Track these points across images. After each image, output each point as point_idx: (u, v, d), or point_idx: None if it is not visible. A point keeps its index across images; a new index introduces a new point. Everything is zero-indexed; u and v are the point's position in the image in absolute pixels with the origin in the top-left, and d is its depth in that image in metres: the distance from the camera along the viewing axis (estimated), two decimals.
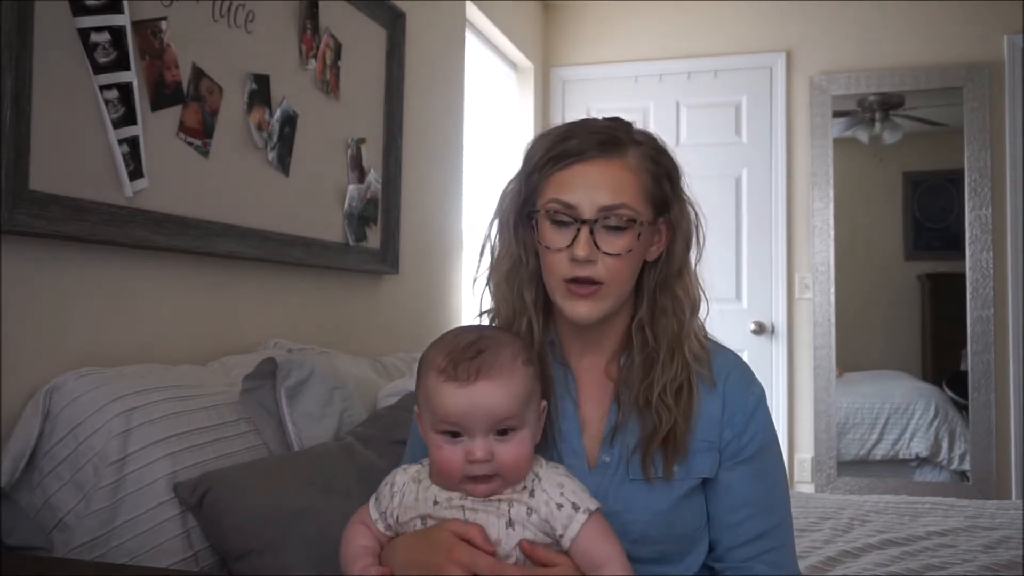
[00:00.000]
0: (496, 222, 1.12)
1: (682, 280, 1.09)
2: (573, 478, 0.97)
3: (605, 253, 1.02)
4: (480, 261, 1.15)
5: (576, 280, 1.02)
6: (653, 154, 1.08)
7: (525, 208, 1.08)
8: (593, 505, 0.94)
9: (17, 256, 1.42)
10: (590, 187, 1.02)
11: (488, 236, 1.14)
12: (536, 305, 1.09)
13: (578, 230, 1.01)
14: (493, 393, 0.92)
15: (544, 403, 1.00)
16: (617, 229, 1.02)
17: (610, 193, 1.02)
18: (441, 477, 0.94)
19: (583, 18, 4.27)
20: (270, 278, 2.09)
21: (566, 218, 1.03)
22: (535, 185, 1.06)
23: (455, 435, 0.92)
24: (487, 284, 1.13)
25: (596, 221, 1.01)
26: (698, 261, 1.11)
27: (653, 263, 1.09)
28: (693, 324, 1.09)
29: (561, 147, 1.04)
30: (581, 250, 1.01)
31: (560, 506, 0.93)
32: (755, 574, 1.06)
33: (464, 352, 0.93)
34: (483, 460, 0.91)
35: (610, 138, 1.05)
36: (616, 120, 1.09)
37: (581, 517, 0.92)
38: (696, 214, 1.11)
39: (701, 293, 1.10)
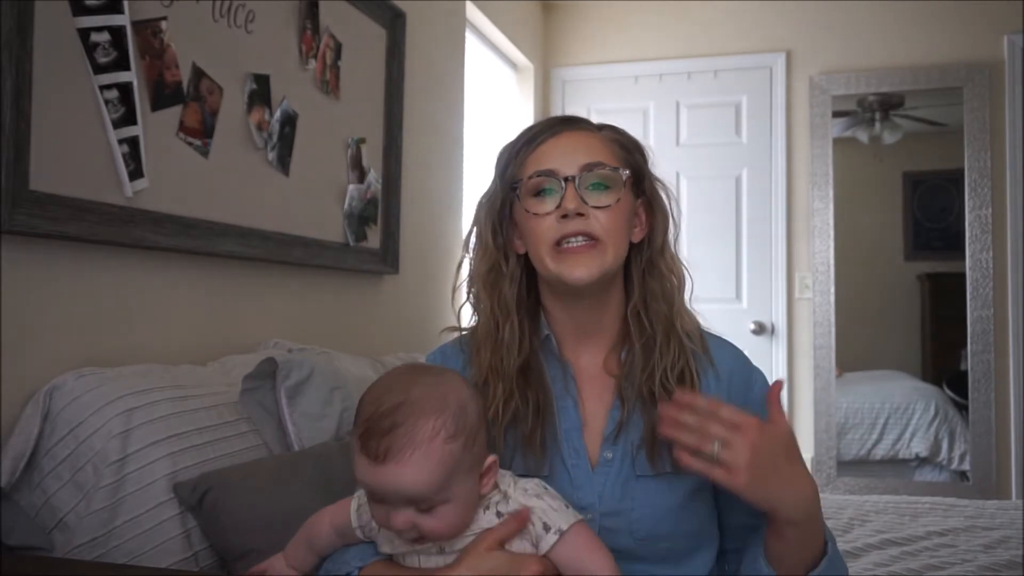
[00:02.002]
0: (474, 232, 1.13)
1: (665, 258, 1.10)
2: (545, 495, 0.94)
3: (594, 207, 1.02)
4: (458, 274, 1.15)
5: (567, 237, 1.02)
6: (616, 130, 1.12)
7: (504, 205, 1.09)
8: (565, 523, 0.91)
9: (17, 256, 1.42)
10: (566, 152, 1.05)
11: (467, 248, 1.14)
12: (520, 308, 1.09)
13: (563, 190, 1.02)
14: (402, 476, 0.84)
15: (493, 458, 0.93)
16: (602, 186, 1.04)
17: (587, 153, 1.05)
18: None
19: (583, 18, 4.27)
20: (270, 278, 2.09)
21: (549, 183, 1.04)
22: (512, 174, 1.07)
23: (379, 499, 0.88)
24: (468, 292, 1.13)
25: (579, 178, 1.03)
26: (676, 237, 1.12)
27: (637, 246, 1.10)
28: (682, 302, 1.10)
29: (529, 134, 1.08)
30: (571, 202, 1.01)
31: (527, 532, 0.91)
32: None
33: (379, 421, 0.85)
34: (404, 531, 0.88)
35: (572, 118, 1.11)
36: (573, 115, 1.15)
37: (551, 538, 0.90)
38: (667, 190, 1.13)
39: (685, 269, 1.12)
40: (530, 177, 1.05)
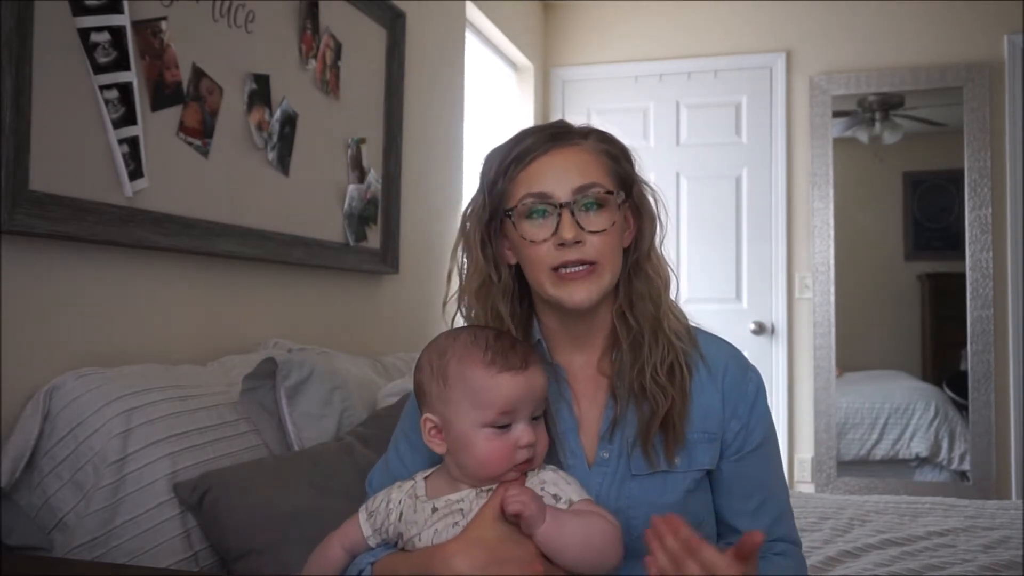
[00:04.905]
0: (461, 244, 1.12)
1: (651, 261, 1.10)
2: (558, 471, 0.99)
3: (591, 232, 1.02)
4: (448, 287, 1.15)
5: (565, 265, 1.02)
6: (603, 138, 1.10)
7: (494, 219, 1.08)
8: (576, 496, 0.95)
9: (17, 256, 1.42)
10: (559, 174, 1.04)
11: (455, 260, 1.13)
12: (513, 318, 1.09)
13: (559, 216, 1.02)
14: (540, 376, 0.98)
15: None
16: (596, 206, 1.04)
17: (579, 174, 1.04)
18: (487, 470, 0.95)
19: (583, 18, 4.27)
20: (270, 278, 2.09)
21: (543, 207, 1.03)
22: (501, 192, 1.06)
23: (504, 426, 0.95)
24: (459, 306, 1.13)
25: (573, 203, 1.03)
26: (662, 240, 1.12)
27: (625, 249, 1.10)
28: (668, 303, 1.10)
29: (518, 149, 1.06)
30: (568, 231, 1.01)
31: (541, 499, 0.94)
32: (775, 561, 1.07)
33: (501, 344, 0.98)
34: (532, 444, 0.95)
35: (561, 131, 1.09)
36: (558, 120, 1.13)
37: (561, 507, 0.94)
38: (655, 193, 1.12)
39: (670, 271, 1.12)
40: (522, 200, 1.04)
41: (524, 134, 1.09)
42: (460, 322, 1.13)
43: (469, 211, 1.11)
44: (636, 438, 1.04)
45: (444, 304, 1.17)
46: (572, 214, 1.02)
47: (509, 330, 1.07)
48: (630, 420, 1.05)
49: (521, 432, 0.95)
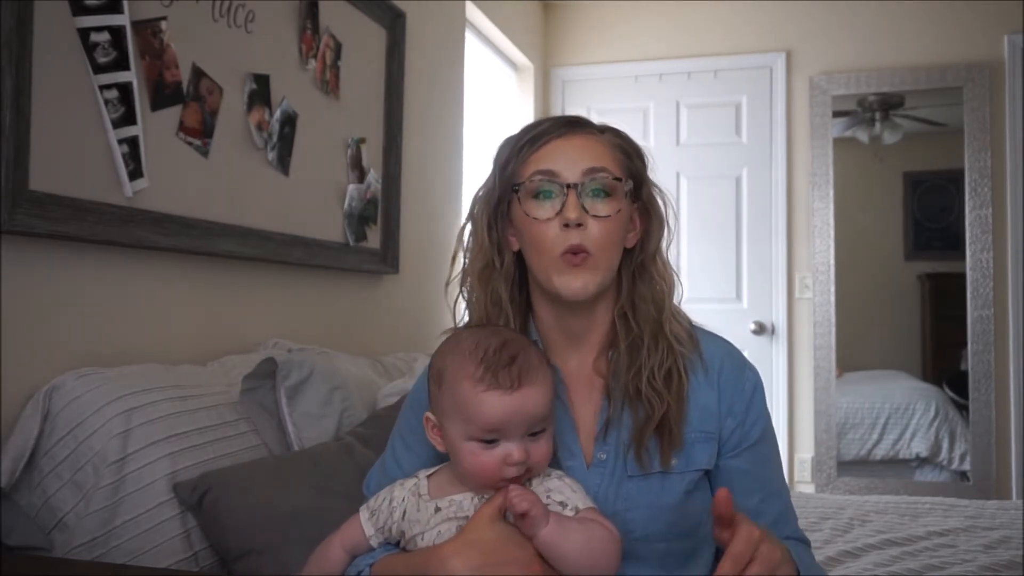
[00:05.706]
0: (468, 226, 1.12)
1: (657, 264, 1.10)
2: (564, 478, 0.98)
3: (595, 216, 1.02)
4: (452, 268, 1.15)
5: (569, 250, 1.02)
6: (619, 135, 1.11)
7: (502, 203, 1.08)
8: (583, 504, 0.94)
9: (17, 256, 1.42)
10: (570, 155, 1.04)
11: (461, 242, 1.13)
12: (512, 304, 1.09)
13: (565, 197, 1.02)
14: (534, 397, 0.93)
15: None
16: (604, 194, 1.04)
17: (591, 158, 1.04)
18: (475, 480, 0.94)
19: (583, 18, 4.27)
20: (270, 278, 2.09)
21: (550, 188, 1.03)
22: (512, 172, 1.07)
23: (491, 441, 0.93)
24: (461, 287, 1.13)
25: (581, 186, 1.02)
26: (669, 244, 1.12)
27: (629, 250, 1.10)
28: (672, 307, 1.09)
29: (532, 132, 1.07)
30: (572, 211, 1.01)
31: (547, 506, 0.93)
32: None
33: (498, 359, 0.93)
34: (523, 462, 0.92)
35: (576, 119, 1.09)
36: (577, 115, 1.13)
37: (568, 514, 0.93)
38: (665, 196, 1.12)
39: (675, 275, 1.11)
40: (531, 178, 1.04)
41: (541, 120, 1.10)
42: (462, 304, 1.13)
43: (479, 194, 1.11)
44: (631, 441, 1.04)
45: (447, 285, 1.16)
46: (578, 196, 1.02)
47: (509, 323, 1.06)
48: (625, 422, 1.05)
49: (511, 450, 0.92)
